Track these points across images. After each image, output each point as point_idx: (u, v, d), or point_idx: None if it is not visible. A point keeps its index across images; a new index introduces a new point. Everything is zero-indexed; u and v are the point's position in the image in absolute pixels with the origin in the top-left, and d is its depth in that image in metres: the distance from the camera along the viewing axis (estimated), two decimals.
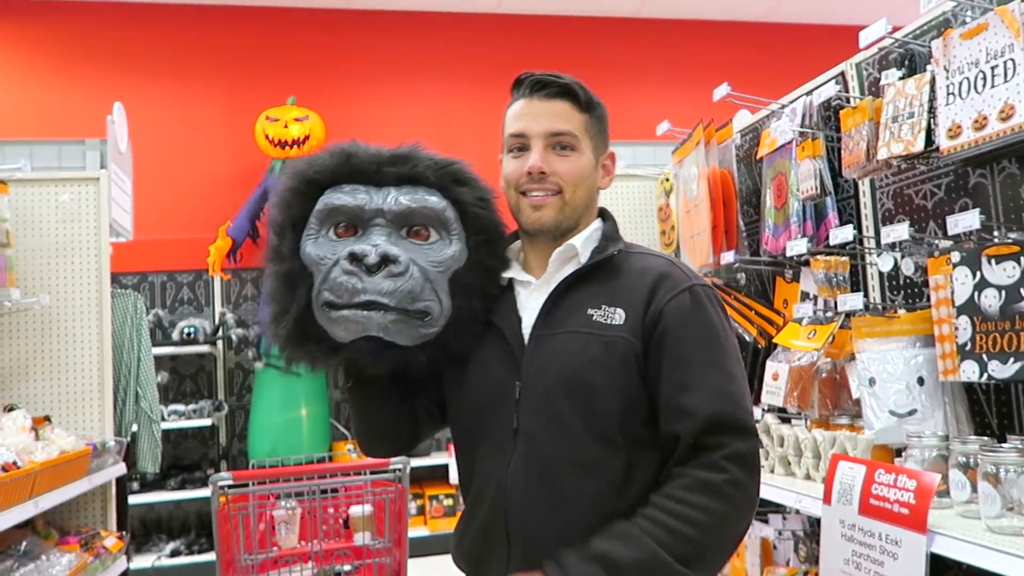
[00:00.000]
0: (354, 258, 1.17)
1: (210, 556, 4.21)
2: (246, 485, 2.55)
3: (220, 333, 4.82)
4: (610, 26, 5.88)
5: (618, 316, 1.19)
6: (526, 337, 1.24)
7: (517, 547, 1.18)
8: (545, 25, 5.81)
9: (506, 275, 1.32)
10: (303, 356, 1.26)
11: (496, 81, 5.68)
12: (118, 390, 3.42)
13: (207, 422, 4.62)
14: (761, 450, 1.22)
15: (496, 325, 1.27)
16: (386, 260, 1.17)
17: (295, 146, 4.85)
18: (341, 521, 2.79)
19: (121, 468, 3.15)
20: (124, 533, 3.12)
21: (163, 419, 4.38)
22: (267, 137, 4.87)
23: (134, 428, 3.52)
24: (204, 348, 4.77)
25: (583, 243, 1.27)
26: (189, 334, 4.72)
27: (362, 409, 1.32)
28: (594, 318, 1.19)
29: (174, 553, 4.44)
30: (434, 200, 1.23)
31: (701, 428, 1.11)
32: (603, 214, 1.35)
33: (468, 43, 5.71)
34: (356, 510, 2.66)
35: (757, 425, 1.65)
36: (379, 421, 1.33)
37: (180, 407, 4.60)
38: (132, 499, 4.29)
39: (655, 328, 1.17)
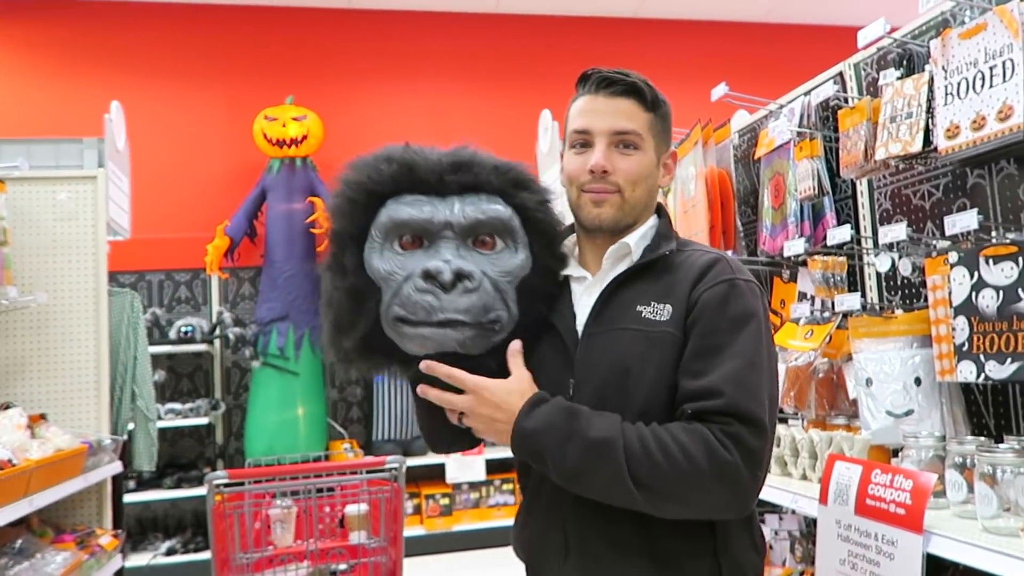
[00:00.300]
0: (428, 276, 1.16)
1: (206, 555, 4.20)
2: (242, 484, 2.54)
3: (217, 332, 4.81)
4: (609, 26, 5.88)
5: (666, 312, 1.19)
6: (579, 334, 1.25)
7: (576, 542, 1.20)
8: (544, 25, 5.81)
9: (562, 272, 1.33)
10: (369, 368, 1.26)
11: (495, 80, 5.69)
12: (114, 388, 3.42)
13: (204, 421, 4.61)
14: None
15: (552, 322, 1.28)
16: (460, 277, 1.16)
17: (293, 145, 4.85)
18: (337, 520, 2.79)
19: (117, 466, 3.15)
20: (119, 531, 3.11)
21: (160, 418, 4.38)
22: (265, 136, 4.86)
23: (130, 426, 3.52)
24: (201, 347, 4.77)
25: (636, 241, 1.27)
26: (186, 333, 4.71)
27: (428, 411, 1.31)
28: (643, 315, 1.20)
29: (170, 552, 4.44)
30: (500, 209, 1.22)
31: (707, 407, 1.10)
32: (659, 211, 1.34)
33: (467, 42, 5.71)
34: (352, 509, 2.66)
35: None
36: (442, 419, 1.30)
37: (177, 406, 4.59)
38: (128, 498, 4.29)
39: (690, 316, 1.18)
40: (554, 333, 1.27)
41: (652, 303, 1.20)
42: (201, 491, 4.28)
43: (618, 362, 1.18)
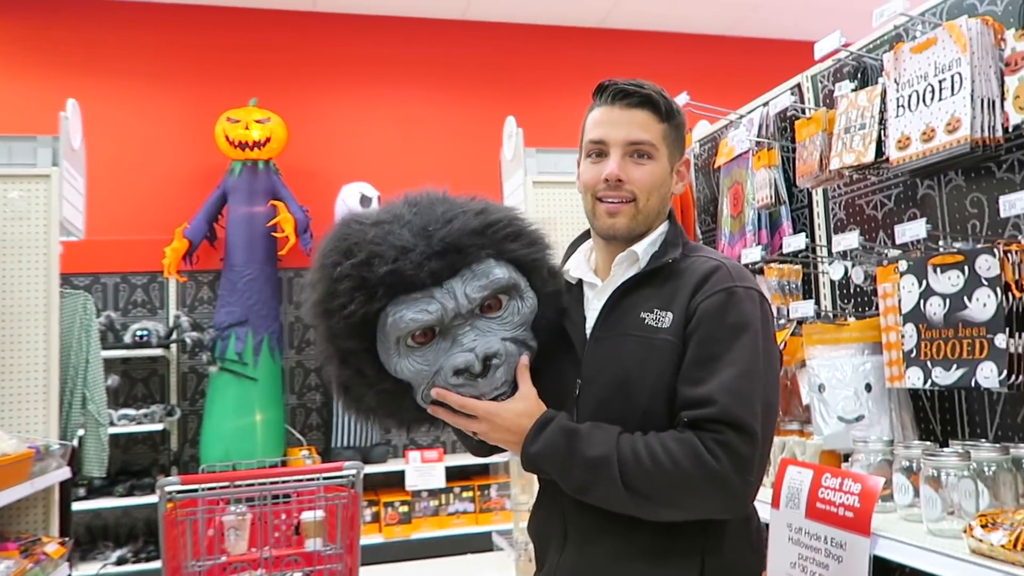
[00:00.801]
0: (459, 372, 1.19)
1: (158, 564, 4.10)
2: (195, 490, 2.49)
3: (174, 336, 4.72)
4: (575, 35, 5.92)
5: (667, 319, 1.23)
6: (587, 337, 1.30)
7: (573, 533, 1.26)
8: (512, 32, 5.83)
9: (575, 275, 1.37)
10: (400, 426, 1.33)
11: (463, 87, 5.69)
12: (64, 392, 3.33)
13: (158, 427, 4.51)
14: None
15: (564, 325, 1.33)
16: (488, 360, 1.19)
17: (256, 148, 4.79)
18: (292, 527, 2.74)
19: (65, 472, 3.06)
20: (67, 539, 3.02)
21: (113, 423, 4.27)
22: (227, 138, 4.79)
23: (80, 432, 3.43)
24: (157, 351, 4.67)
25: (645, 248, 1.31)
26: (142, 337, 4.61)
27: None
28: (646, 321, 1.24)
29: (120, 561, 4.32)
30: (499, 276, 1.21)
31: (701, 415, 1.14)
32: (671, 217, 1.37)
33: (434, 48, 5.70)
34: (308, 515, 2.61)
35: None
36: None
37: (131, 411, 4.48)
38: (78, 505, 4.17)
39: (689, 324, 1.21)
40: (565, 335, 1.32)
41: (655, 310, 1.24)
42: (154, 499, 4.16)
43: (621, 367, 1.23)
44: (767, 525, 1.76)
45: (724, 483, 1.11)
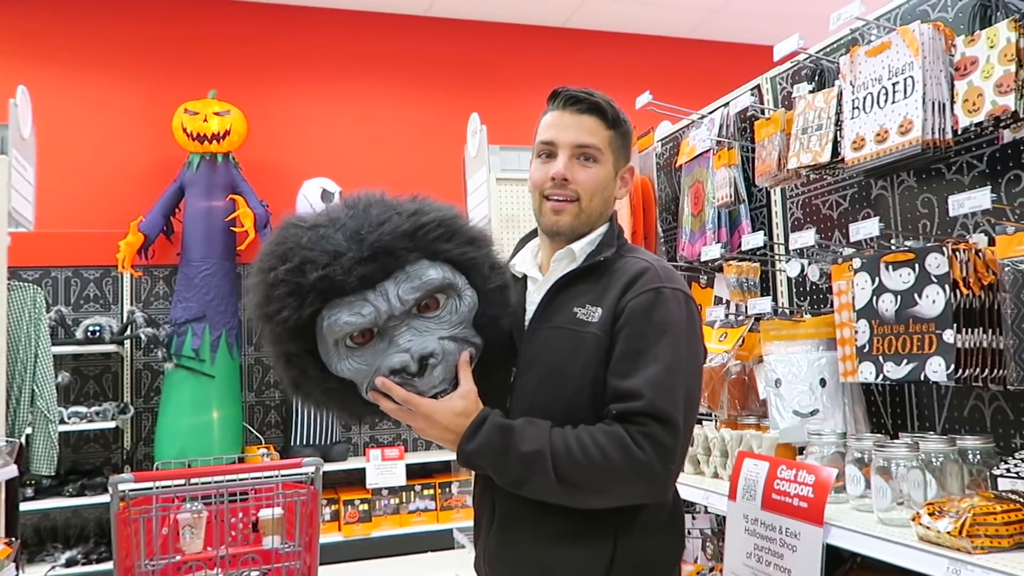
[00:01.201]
0: (395, 372, 1.22)
1: (109, 566, 4.01)
2: (149, 488, 2.44)
3: (128, 332, 4.61)
4: (540, 34, 5.94)
5: (597, 314, 1.30)
6: (524, 328, 1.38)
7: (498, 516, 1.34)
8: (476, 30, 5.83)
9: (521, 270, 1.46)
10: (352, 419, 1.38)
11: (425, 83, 5.67)
12: (12, 388, 3.23)
13: (111, 425, 4.41)
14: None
15: (510, 319, 1.38)
16: (424, 359, 1.21)
17: (214, 141, 4.70)
18: (250, 525, 2.70)
19: (12, 470, 2.97)
20: (13, 540, 2.94)
21: (63, 421, 4.16)
22: (185, 130, 4.70)
23: (28, 430, 3.33)
24: (110, 347, 4.56)
25: (582, 247, 1.38)
26: (94, 332, 4.49)
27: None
28: (578, 316, 1.31)
29: (70, 563, 4.21)
30: (432, 276, 1.23)
31: (629, 408, 1.21)
32: (611, 218, 1.44)
33: (398, 44, 5.67)
34: (266, 513, 2.58)
35: None
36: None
37: (82, 409, 4.37)
38: (26, 506, 4.05)
39: (617, 322, 1.28)
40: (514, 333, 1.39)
41: (587, 305, 1.32)
42: (106, 499, 4.08)
43: (552, 357, 1.31)
44: (724, 518, 1.79)
45: (649, 472, 1.19)
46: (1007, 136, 1.61)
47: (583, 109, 1.37)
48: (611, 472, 1.19)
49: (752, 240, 2.11)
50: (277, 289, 1.20)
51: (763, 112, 2.25)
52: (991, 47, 1.52)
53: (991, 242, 1.59)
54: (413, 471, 4.81)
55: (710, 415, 2.27)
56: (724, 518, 1.80)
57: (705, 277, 2.58)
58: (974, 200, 1.48)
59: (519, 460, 1.21)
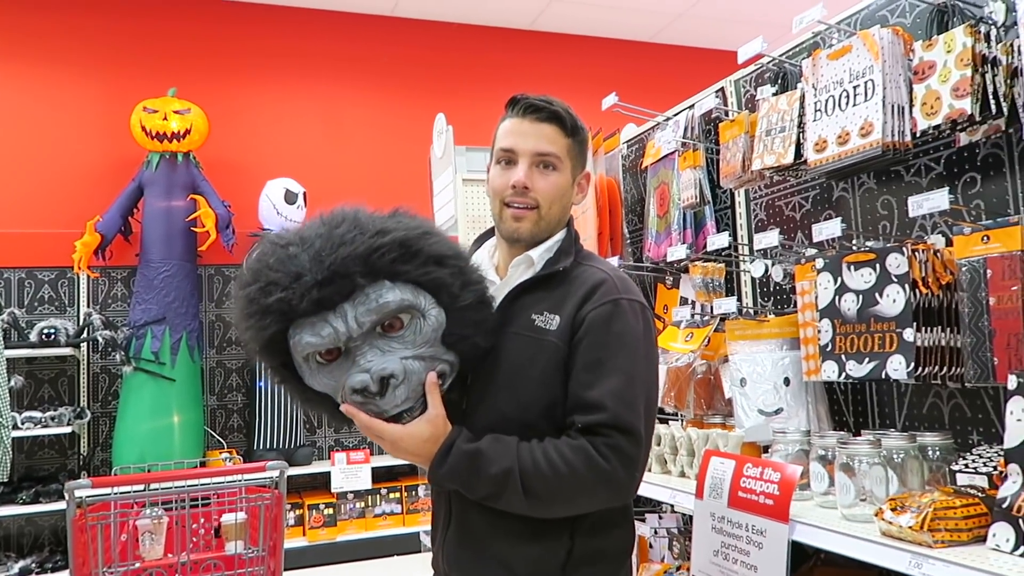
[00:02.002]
0: (356, 392, 1.23)
1: (65, 574, 3.90)
2: (107, 494, 2.38)
3: (85, 335, 4.50)
4: (505, 36, 5.94)
5: (554, 322, 1.33)
6: None
7: (455, 514, 1.37)
8: (441, 31, 5.81)
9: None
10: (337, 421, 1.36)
11: (389, 83, 5.63)
12: None
13: (67, 430, 4.30)
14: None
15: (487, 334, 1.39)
16: (385, 381, 1.22)
17: (174, 139, 4.62)
18: (212, 530, 2.65)
19: None
20: None
21: (16, 427, 4.05)
22: (144, 129, 4.60)
23: None
24: (66, 351, 4.45)
25: (540, 254, 1.40)
26: (49, 335, 4.38)
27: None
28: (536, 323, 1.34)
29: (24, 572, 4.09)
30: (390, 300, 1.22)
31: (594, 420, 1.24)
32: (569, 224, 1.46)
33: (363, 44, 5.62)
34: (228, 518, 2.53)
35: None
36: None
37: (36, 414, 4.25)
38: None
39: (576, 332, 1.31)
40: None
41: (545, 312, 1.34)
42: (61, 506, 3.98)
43: (510, 362, 1.33)
44: (691, 517, 1.81)
45: (613, 481, 1.24)
46: (963, 139, 1.65)
47: (543, 117, 1.39)
48: (578, 484, 1.23)
49: (717, 241, 2.13)
50: (247, 308, 1.24)
51: (727, 114, 2.28)
52: (948, 52, 1.56)
53: (949, 242, 1.62)
54: (379, 474, 4.78)
55: (677, 415, 2.29)
56: (691, 517, 1.81)
57: (671, 278, 2.60)
58: (932, 201, 1.52)
59: (489, 481, 1.24)
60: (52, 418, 4.28)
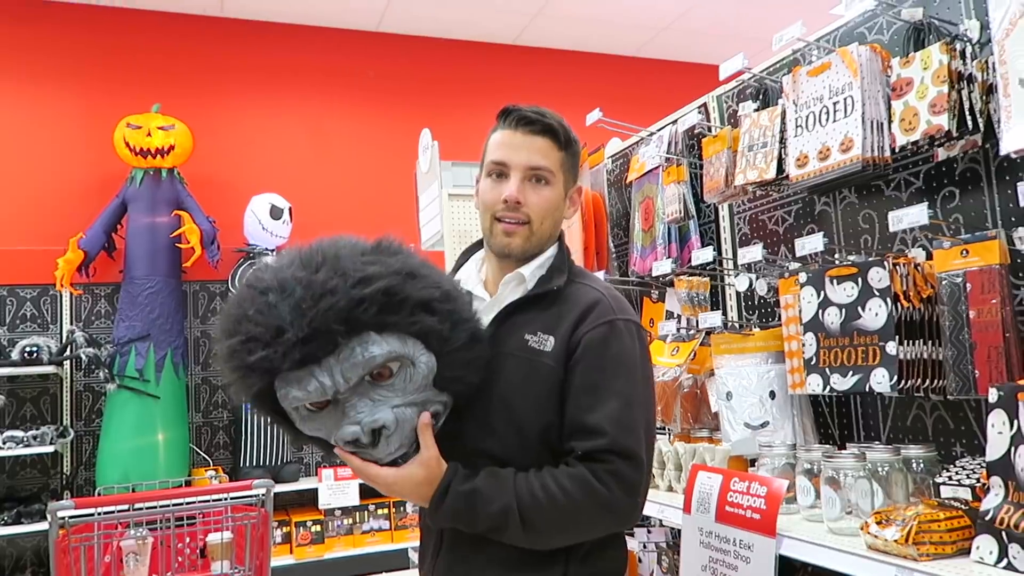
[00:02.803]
0: (349, 443, 1.21)
1: None
2: (91, 514, 2.36)
3: (68, 352, 4.46)
4: (490, 51, 5.97)
5: (549, 343, 1.30)
6: None
7: (447, 539, 1.34)
8: (426, 45, 5.83)
9: (465, 287, 1.41)
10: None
11: (375, 98, 5.64)
12: None
13: (49, 449, 4.24)
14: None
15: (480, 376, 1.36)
16: (376, 433, 1.20)
17: (158, 155, 4.59)
18: (198, 550, 2.63)
19: None
20: None
21: None
22: (127, 145, 4.58)
23: None
24: (48, 369, 4.39)
25: (532, 271, 1.37)
26: (31, 353, 4.33)
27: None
28: (529, 343, 1.30)
29: None
30: (375, 353, 1.17)
31: (593, 447, 1.22)
32: (560, 239, 1.44)
33: (346, 59, 5.63)
34: (214, 537, 2.52)
35: None
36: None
37: (18, 433, 4.19)
38: None
39: (572, 355, 1.28)
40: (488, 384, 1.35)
41: (538, 333, 1.31)
42: (44, 526, 3.92)
43: (503, 383, 1.29)
44: (679, 531, 1.81)
45: (615, 508, 1.22)
46: (941, 154, 1.68)
47: (536, 130, 1.36)
48: (579, 515, 1.21)
49: (702, 255, 2.15)
50: (228, 363, 1.20)
51: (710, 130, 2.30)
52: (925, 68, 1.58)
53: (929, 256, 1.64)
54: (367, 491, 4.74)
55: (664, 429, 2.29)
56: (679, 531, 1.82)
57: (657, 291, 2.61)
58: (912, 216, 1.54)
59: (488, 519, 1.22)
60: (34, 437, 4.22)
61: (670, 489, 2.08)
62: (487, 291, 1.42)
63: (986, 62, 1.51)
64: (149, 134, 4.58)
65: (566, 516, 1.21)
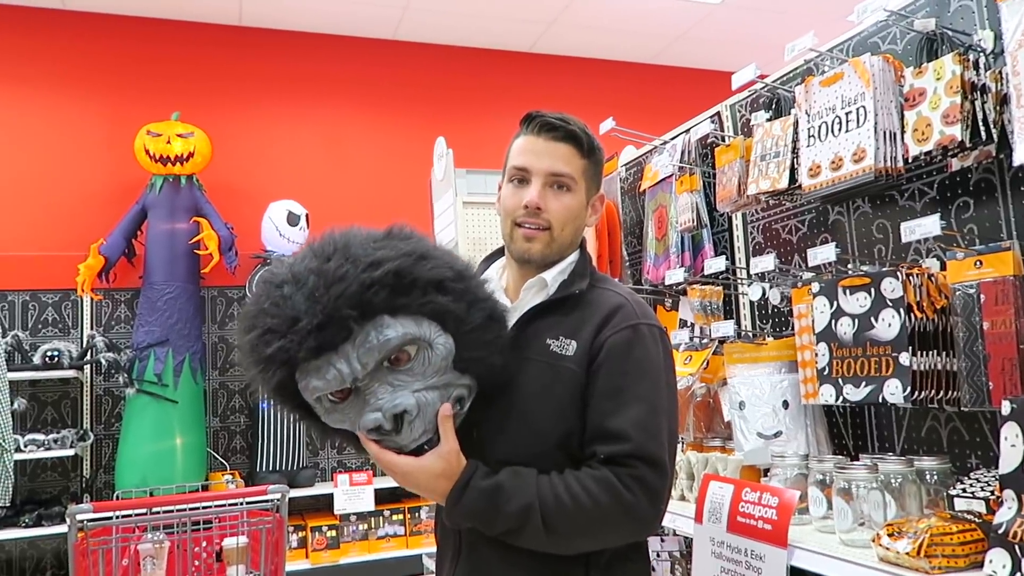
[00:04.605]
0: (371, 431, 1.21)
1: None
2: (109, 518, 2.39)
3: (89, 357, 4.52)
4: (506, 59, 6.00)
5: (571, 347, 1.29)
6: None
7: (465, 546, 1.32)
8: (442, 54, 5.86)
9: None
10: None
11: (391, 106, 5.68)
12: None
13: (69, 452, 4.30)
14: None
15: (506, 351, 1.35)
16: (399, 418, 1.20)
17: (178, 163, 4.65)
18: (214, 554, 2.65)
19: None
20: None
21: (19, 449, 4.05)
22: (147, 152, 4.64)
23: None
24: (69, 373, 4.46)
25: (554, 276, 1.37)
26: (52, 358, 4.39)
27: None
28: (551, 348, 1.29)
29: None
30: (390, 336, 1.17)
31: (617, 451, 1.21)
32: (582, 246, 1.43)
33: (363, 67, 5.68)
34: (230, 542, 2.54)
35: None
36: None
37: (39, 436, 4.25)
38: None
39: (595, 359, 1.27)
40: (509, 366, 1.33)
41: (560, 337, 1.30)
42: (63, 529, 3.97)
43: (524, 388, 1.28)
44: (691, 540, 1.81)
45: (638, 514, 1.20)
46: (955, 164, 1.67)
47: (559, 137, 1.35)
48: (601, 518, 1.19)
49: (715, 264, 2.15)
50: (248, 357, 1.21)
51: (723, 139, 2.30)
52: (938, 79, 1.58)
53: (943, 266, 1.64)
54: (382, 496, 4.76)
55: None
56: (691, 540, 1.81)
57: (670, 300, 2.61)
58: (924, 227, 1.53)
59: (508, 518, 1.20)
60: (55, 440, 4.28)
61: (682, 498, 2.08)
62: (508, 297, 1.41)
63: (1000, 72, 1.51)
64: (169, 141, 4.64)
65: (588, 519, 1.18)
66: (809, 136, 1.85)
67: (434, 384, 1.22)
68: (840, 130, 1.76)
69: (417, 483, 1.24)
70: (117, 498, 3.81)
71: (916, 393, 1.55)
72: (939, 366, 1.57)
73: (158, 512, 2.44)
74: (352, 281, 1.16)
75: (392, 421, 1.19)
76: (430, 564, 3.70)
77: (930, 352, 1.57)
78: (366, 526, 4.70)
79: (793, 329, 1.91)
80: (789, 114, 1.96)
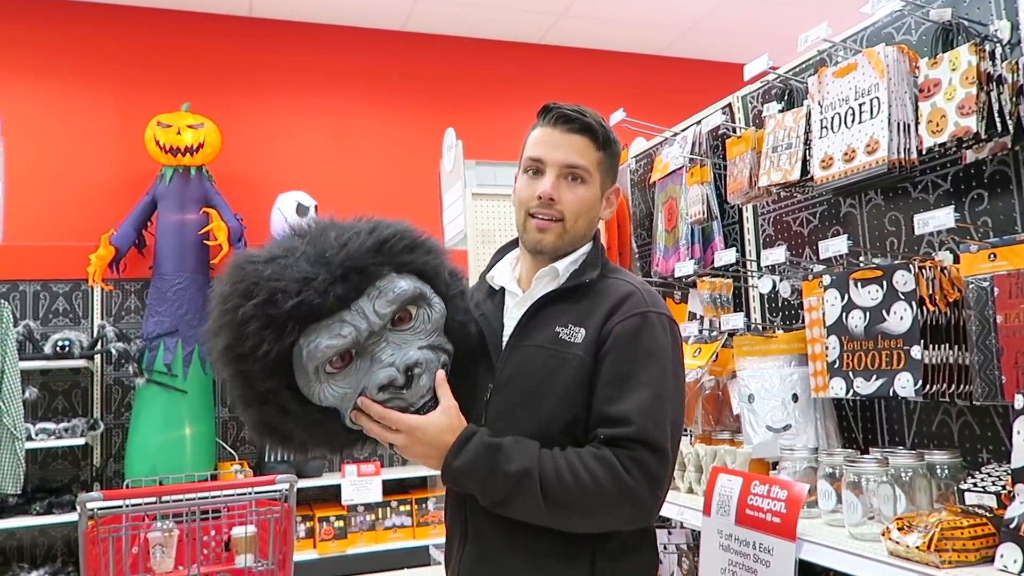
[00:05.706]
0: (384, 387, 1.22)
1: None
2: (119, 506, 2.40)
3: (99, 347, 4.54)
4: (515, 50, 5.98)
5: (580, 335, 1.29)
6: (503, 344, 1.36)
7: (472, 534, 1.32)
8: (452, 45, 5.85)
9: (499, 282, 1.45)
10: (333, 452, 1.36)
11: (401, 98, 5.68)
12: None
13: (80, 441, 4.33)
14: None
15: (483, 330, 1.38)
16: (410, 371, 1.22)
17: (188, 154, 4.66)
18: (222, 543, 2.67)
19: None
20: None
21: (30, 438, 4.08)
22: (158, 143, 4.66)
23: None
24: (80, 363, 4.48)
25: (566, 266, 1.38)
26: (63, 347, 4.42)
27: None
28: (560, 336, 1.30)
29: None
30: (405, 288, 1.24)
31: (619, 434, 1.21)
32: (595, 237, 1.44)
33: (373, 58, 5.67)
34: (239, 531, 2.55)
35: None
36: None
37: (50, 425, 4.28)
38: None
39: (603, 345, 1.28)
40: (481, 337, 1.37)
41: (569, 325, 1.31)
42: (74, 517, 4.00)
43: (532, 375, 1.30)
44: (699, 533, 1.81)
45: (637, 498, 1.20)
46: (970, 156, 1.65)
47: (574, 129, 1.36)
48: (600, 496, 1.19)
49: (725, 256, 2.14)
50: (249, 325, 1.16)
51: (734, 130, 2.28)
52: (953, 70, 1.56)
53: (956, 259, 1.62)
54: (389, 487, 4.78)
55: (685, 430, 2.28)
56: (698, 533, 1.81)
57: (679, 293, 2.60)
58: (938, 219, 1.52)
59: (506, 479, 1.20)
60: (66, 429, 4.31)
61: (690, 491, 2.07)
62: (520, 288, 1.42)
63: (1016, 63, 1.49)
64: (179, 132, 4.65)
65: (586, 494, 1.18)
66: (822, 127, 1.83)
67: (432, 343, 1.27)
68: (853, 121, 1.74)
69: (423, 437, 1.23)
70: (127, 487, 3.83)
71: (928, 387, 1.53)
72: (951, 360, 1.55)
73: (167, 501, 2.46)
74: (365, 240, 1.22)
75: (404, 375, 1.22)
76: (437, 555, 3.71)
77: (942, 345, 1.56)
78: (373, 517, 4.72)
79: (803, 322, 1.90)
80: (802, 105, 1.95)
